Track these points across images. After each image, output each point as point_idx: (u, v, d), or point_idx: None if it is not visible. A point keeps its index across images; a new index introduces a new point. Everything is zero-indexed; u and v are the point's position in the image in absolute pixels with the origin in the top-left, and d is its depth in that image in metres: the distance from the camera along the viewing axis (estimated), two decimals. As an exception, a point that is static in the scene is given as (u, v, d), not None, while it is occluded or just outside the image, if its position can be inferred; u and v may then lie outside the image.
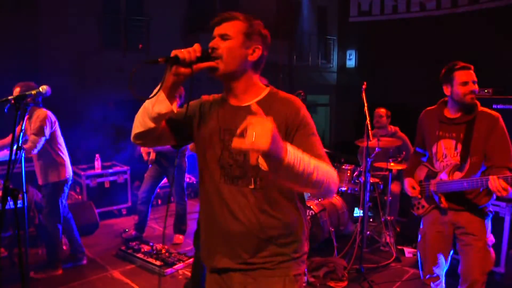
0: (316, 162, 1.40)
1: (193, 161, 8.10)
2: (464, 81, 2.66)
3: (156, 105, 1.58)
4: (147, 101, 1.61)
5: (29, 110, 3.80)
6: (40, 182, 4.01)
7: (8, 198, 2.29)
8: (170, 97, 1.59)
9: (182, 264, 4.32)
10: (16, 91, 3.65)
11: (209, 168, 1.73)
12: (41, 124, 3.74)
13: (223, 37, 1.63)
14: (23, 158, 2.50)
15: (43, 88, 2.77)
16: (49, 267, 4.08)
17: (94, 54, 10.09)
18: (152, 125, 1.63)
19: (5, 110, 2.42)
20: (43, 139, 3.75)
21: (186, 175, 5.31)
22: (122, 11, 10.66)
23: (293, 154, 1.30)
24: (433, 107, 2.89)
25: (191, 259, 4.41)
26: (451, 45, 6.88)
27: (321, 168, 1.41)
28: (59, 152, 4.00)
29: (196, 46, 1.57)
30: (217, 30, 1.65)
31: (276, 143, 1.23)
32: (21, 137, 2.41)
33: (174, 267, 4.23)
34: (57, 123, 3.96)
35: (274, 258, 1.69)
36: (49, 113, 3.86)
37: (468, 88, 2.65)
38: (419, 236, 3.00)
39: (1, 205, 2.15)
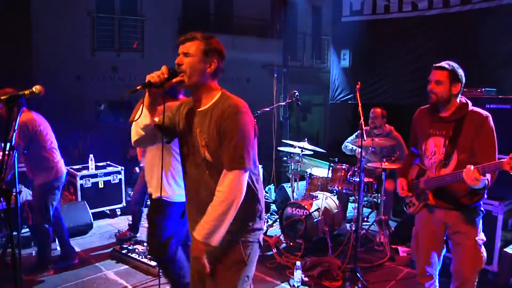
0: (216, 213, 1.96)
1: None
2: (429, 79, 2.75)
3: (142, 118, 2.08)
4: (136, 116, 2.09)
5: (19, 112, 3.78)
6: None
7: (1, 198, 2.27)
8: (151, 111, 2.07)
9: (176, 264, 4.30)
10: None
11: (185, 157, 2.20)
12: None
13: (186, 54, 2.01)
14: (15, 158, 2.48)
15: (37, 88, 2.74)
16: (40, 268, 4.06)
17: (88, 54, 10.05)
18: (142, 133, 2.14)
19: (-2, 110, 2.41)
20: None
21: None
22: (116, 11, 10.62)
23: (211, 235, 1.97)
24: (426, 106, 2.92)
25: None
26: (443, 44, 6.91)
27: (220, 212, 1.96)
28: (45, 154, 3.95)
29: (164, 69, 2.00)
30: (181, 48, 2.03)
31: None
32: (14, 137, 2.39)
33: (168, 267, 4.22)
34: (42, 126, 3.92)
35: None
36: (30, 118, 3.83)
37: (429, 86, 2.73)
38: (412, 236, 3.03)
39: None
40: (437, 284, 2.95)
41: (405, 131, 4.19)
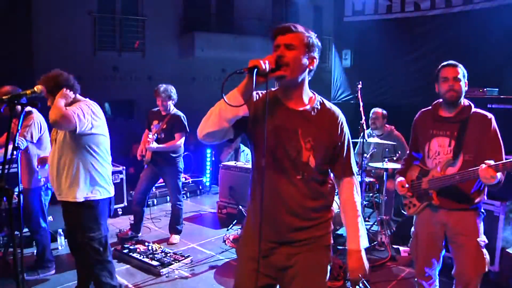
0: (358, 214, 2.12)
1: (188, 160, 8.11)
2: (444, 76, 2.71)
3: (235, 109, 1.76)
4: (223, 104, 1.77)
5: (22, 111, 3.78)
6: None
7: (3, 198, 2.28)
8: (246, 102, 1.78)
9: (178, 263, 4.31)
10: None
11: (262, 159, 1.90)
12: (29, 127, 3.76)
13: (289, 47, 1.81)
14: (18, 158, 2.49)
15: (38, 88, 2.75)
16: (41, 268, 4.07)
17: (89, 54, 10.04)
18: (226, 125, 1.82)
19: (1, 110, 2.41)
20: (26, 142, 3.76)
21: (182, 175, 5.30)
22: (118, 11, 10.62)
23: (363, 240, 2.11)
24: (428, 108, 2.93)
25: (188, 259, 4.42)
26: (446, 44, 6.91)
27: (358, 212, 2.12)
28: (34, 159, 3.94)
29: (272, 58, 1.77)
30: (282, 39, 1.83)
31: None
32: (17, 137, 2.40)
33: (170, 267, 4.23)
34: (45, 127, 3.93)
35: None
36: (36, 116, 3.85)
37: (447, 84, 2.69)
38: (412, 237, 3.02)
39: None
40: (437, 284, 2.95)
41: (406, 131, 4.19)
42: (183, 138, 4.97)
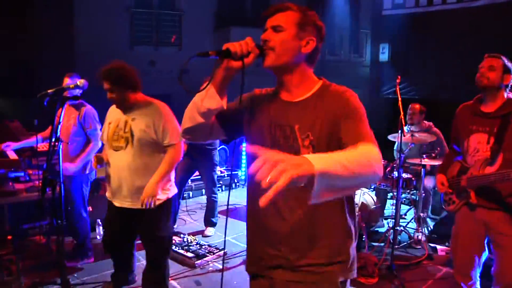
0: (350, 156, 1.28)
1: (224, 154, 8.18)
2: (481, 66, 2.65)
3: (206, 100, 1.56)
4: (196, 96, 1.59)
5: (74, 107, 3.95)
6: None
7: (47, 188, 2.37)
8: (221, 92, 1.57)
9: (212, 256, 4.37)
10: (65, 80, 3.84)
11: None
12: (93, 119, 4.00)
13: (276, 28, 1.57)
14: (60, 149, 2.57)
15: (81, 82, 2.85)
16: (81, 256, 4.20)
17: (126, 49, 10.27)
18: (201, 120, 1.61)
19: (45, 103, 2.50)
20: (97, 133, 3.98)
21: (217, 168, 5.34)
22: (154, 6, 10.81)
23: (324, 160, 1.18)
24: (469, 102, 2.83)
25: (222, 252, 4.47)
26: (490, 38, 6.64)
27: (357, 161, 1.27)
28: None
29: (249, 40, 1.53)
30: (270, 22, 1.60)
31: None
32: (58, 129, 2.48)
33: (204, 259, 4.28)
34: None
35: (319, 260, 1.62)
36: (88, 108, 4.02)
37: (479, 72, 2.63)
38: (452, 235, 2.94)
39: (41, 194, 2.23)
40: (478, 286, 2.85)
41: (445, 127, 4.07)
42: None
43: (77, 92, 3.22)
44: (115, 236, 3.32)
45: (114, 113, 3.15)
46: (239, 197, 7.12)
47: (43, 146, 4.21)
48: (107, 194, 3.24)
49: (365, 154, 1.35)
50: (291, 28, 1.57)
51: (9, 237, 3.67)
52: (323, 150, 1.44)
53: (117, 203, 3.13)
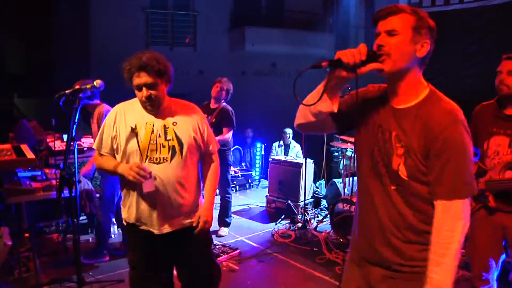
0: (448, 255, 1.52)
1: (238, 154, 8.19)
2: (499, 70, 2.55)
3: (319, 103, 1.58)
4: (309, 96, 1.64)
5: (89, 108, 3.99)
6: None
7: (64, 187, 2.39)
8: (332, 98, 1.60)
9: (226, 256, 4.37)
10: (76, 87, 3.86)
11: (363, 161, 1.74)
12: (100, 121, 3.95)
13: (390, 33, 1.53)
14: (75, 149, 2.59)
15: (97, 83, 2.87)
16: (98, 254, 4.23)
17: (142, 49, 10.38)
18: (312, 119, 1.69)
19: (61, 103, 2.52)
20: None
21: (232, 168, 5.35)
22: (170, 6, 10.89)
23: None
24: (489, 101, 2.75)
25: (236, 252, 4.47)
26: (511, 37, 6.49)
27: (451, 260, 1.52)
28: None
29: (362, 48, 1.50)
30: (383, 26, 1.56)
31: None
32: (74, 129, 2.50)
33: (218, 259, 4.29)
34: None
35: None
36: (106, 107, 4.00)
37: (498, 78, 2.55)
38: (467, 238, 2.88)
39: (58, 193, 2.25)
40: (495, 289, 2.80)
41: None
42: (231, 132, 5.00)
43: (93, 92, 3.23)
44: (155, 270, 2.57)
45: (135, 116, 2.47)
46: (253, 197, 7.12)
47: (59, 146, 4.27)
48: (127, 216, 2.51)
49: (447, 243, 1.53)
50: (407, 32, 1.53)
51: (27, 234, 3.73)
52: (416, 163, 1.54)
53: (155, 230, 2.45)
